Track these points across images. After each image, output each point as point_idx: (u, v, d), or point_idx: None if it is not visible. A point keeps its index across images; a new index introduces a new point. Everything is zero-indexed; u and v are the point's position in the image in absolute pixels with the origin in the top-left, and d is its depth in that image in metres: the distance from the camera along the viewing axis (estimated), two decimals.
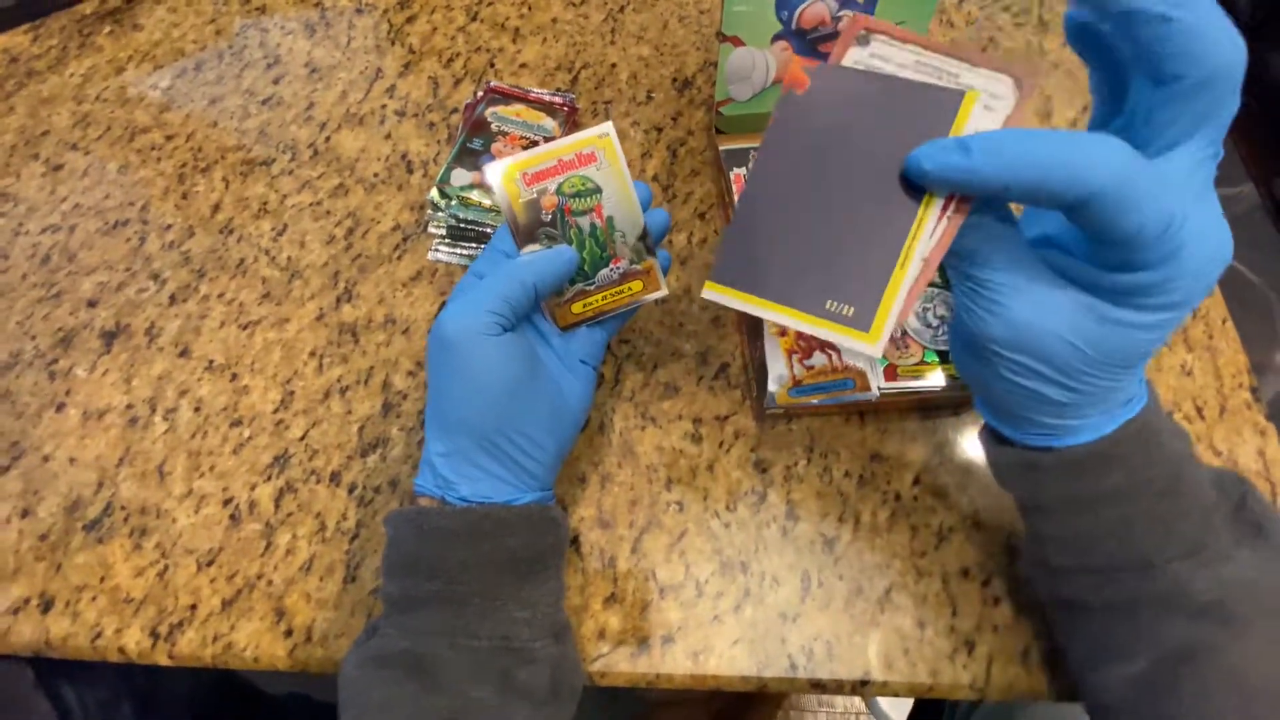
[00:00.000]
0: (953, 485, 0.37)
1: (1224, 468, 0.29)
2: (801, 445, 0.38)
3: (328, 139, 0.48)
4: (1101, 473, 0.26)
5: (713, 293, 0.27)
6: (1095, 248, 0.23)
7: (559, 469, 0.33)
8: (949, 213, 0.24)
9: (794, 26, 0.40)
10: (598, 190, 0.31)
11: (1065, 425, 0.26)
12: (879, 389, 0.38)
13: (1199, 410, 0.39)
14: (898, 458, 0.37)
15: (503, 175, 0.30)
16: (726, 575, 0.34)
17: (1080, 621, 0.29)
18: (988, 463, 0.30)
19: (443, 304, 0.42)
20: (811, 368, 0.38)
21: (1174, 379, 0.40)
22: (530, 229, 0.31)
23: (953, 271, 0.26)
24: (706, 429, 0.38)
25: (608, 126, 0.31)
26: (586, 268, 0.32)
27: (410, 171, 0.47)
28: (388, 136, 0.48)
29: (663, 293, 0.33)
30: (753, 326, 0.39)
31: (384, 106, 0.49)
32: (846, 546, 0.35)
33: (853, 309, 0.25)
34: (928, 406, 0.38)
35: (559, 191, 0.31)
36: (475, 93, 0.49)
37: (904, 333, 0.39)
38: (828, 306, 0.25)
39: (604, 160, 0.31)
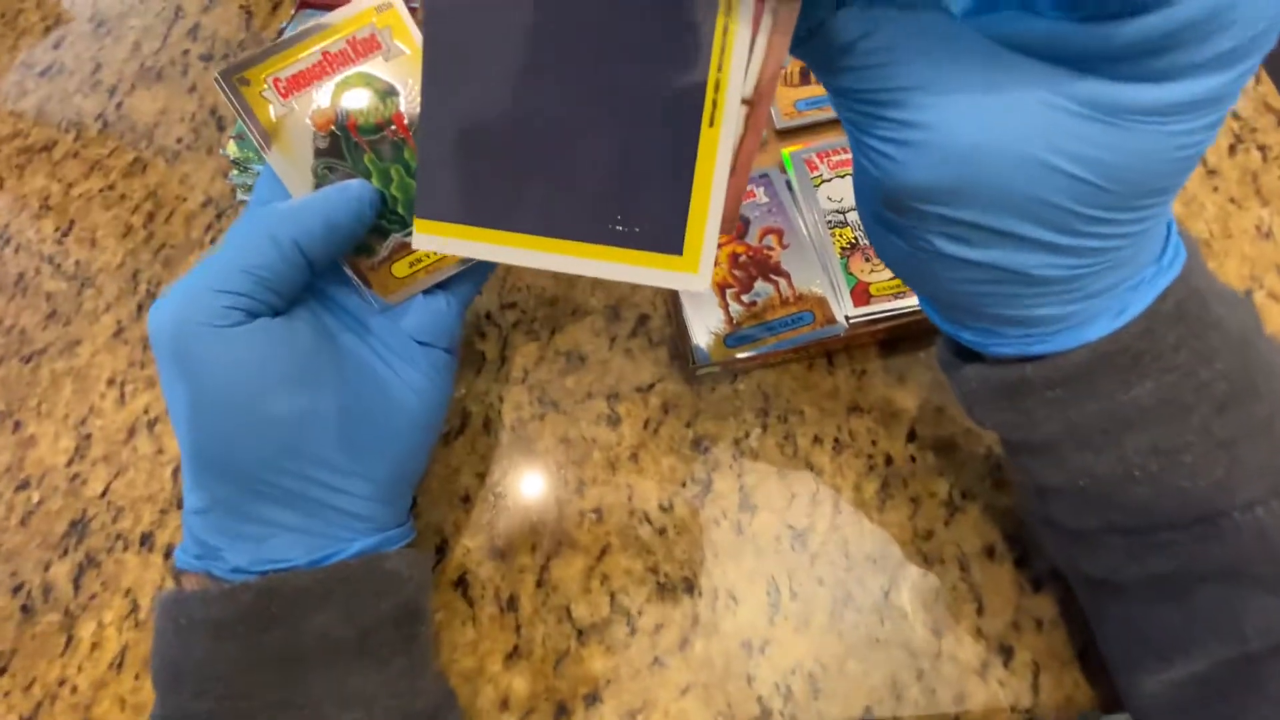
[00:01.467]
0: (961, 435, 0.27)
1: None
2: (752, 409, 0.28)
3: (119, 105, 0.38)
4: (1126, 381, 0.17)
5: (427, 237, 0.16)
6: None
7: (409, 495, 0.23)
8: (766, 19, 0.14)
9: None
10: (392, 91, 0.21)
11: (1061, 317, 0.16)
12: (847, 318, 0.28)
13: None
14: (883, 408, 0.28)
15: (244, 88, 0.20)
16: (666, 600, 0.26)
17: (1112, 605, 0.20)
18: (954, 392, 0.21)
19: None
20: (753, 304, 0.29)
21: (1249, 244, 0.30)
22: (300, 161, 0.21)
23: (835, 97, 0.15)
24: (626, 406, 0.29)
25: None
26: (400, 209, 0.22)
27: (221, 129, 0.36)
28: (192, 89, 0.38)
29: None
30: None
31: (186, 53, 0.39)
32: (824, 539, 0.26)
33: (643, 224, 0.15)
34: (916, 334, 0.28)
35: (333, 101, 0.21)
36: (291, 12, 0.38)
37: None
38: (613, 228, 0.15)
39: (393, 45, 0.21)
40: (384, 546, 0.22)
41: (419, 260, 0.23)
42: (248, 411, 0.19)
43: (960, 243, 0.15)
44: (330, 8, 0.36)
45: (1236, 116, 0.33)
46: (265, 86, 0.21)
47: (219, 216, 0.34)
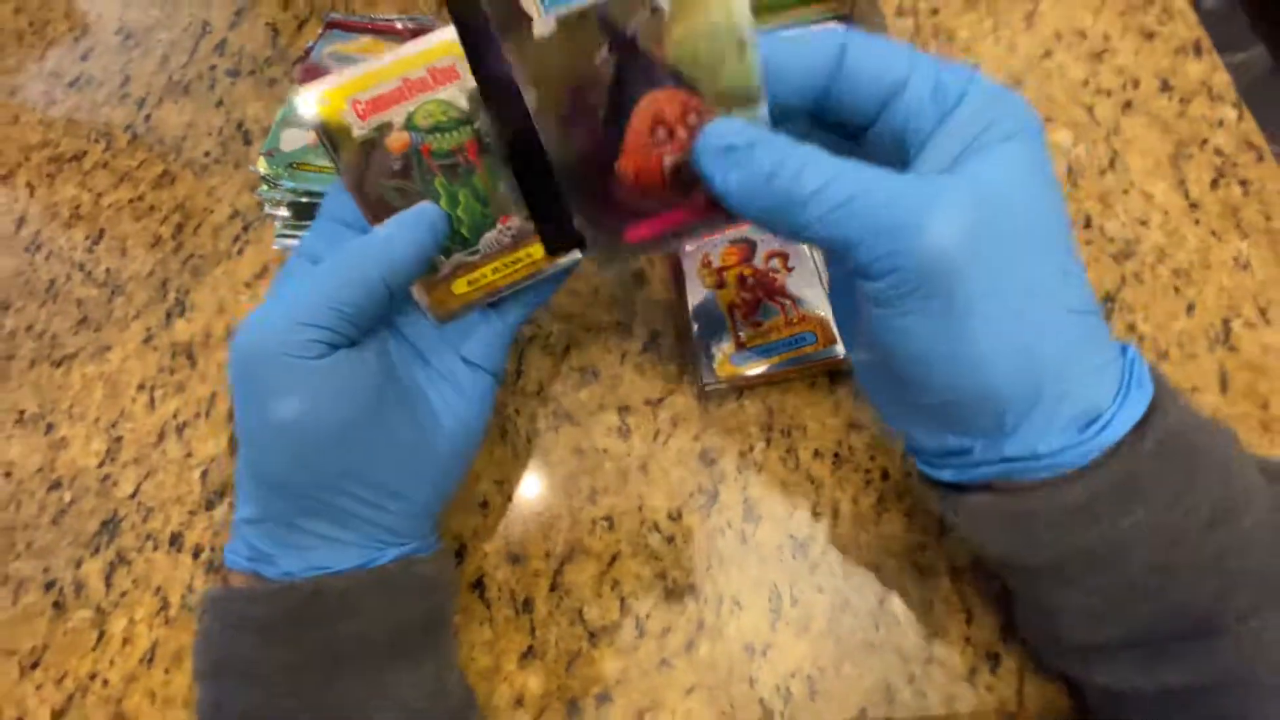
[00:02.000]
0: None
1: (1271, 458, 0.21)
2: (757, 424, 0.30)
3: (148, 117, 0.39)
4: (1121, 509, 0.18)
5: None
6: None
7: (439, 510, 0.25)
8: None
9: None
10: (466, 121, 0.22)
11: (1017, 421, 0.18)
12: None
13: (1263, 312, 0.30)
14: (881, 425, 0.29)
15: (322, 106, 0.21)
16: (673, 605, 0.27)
17: (1130, 711, 0.21)
18: (955, 526, 0.22)
19: None
20: (759, 324, 0.30)
21: (1227, 276, 0.31)
22: (373, 183, 0.22)
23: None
24: (636, 419, 0.30)
25: None
26: (465, 231, 0.23)
27: (248, 143, 0.38)
28: (219, 103, 0.39)
29: (576, 256, 0.24)
30: (679, 283, 0.30)
31: (213, 68, 0.40)
32: (824, 549, 0.27)
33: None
34: None
35: (410, 126, 0.21)
36: (319, 33, 0.39)
37: None
38: None
39: (469, 76, 0.22)
40: (416, 555, 0.23)
41: (477, 279, 0.24)
42: (315, 439, 0.20)
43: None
44: (356, 29, 0.37)
45: (1219, 152, 0.34)
46: (346, 109, 0.21)
47: (245, 229, 0.36)
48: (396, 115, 0.21)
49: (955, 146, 0.18)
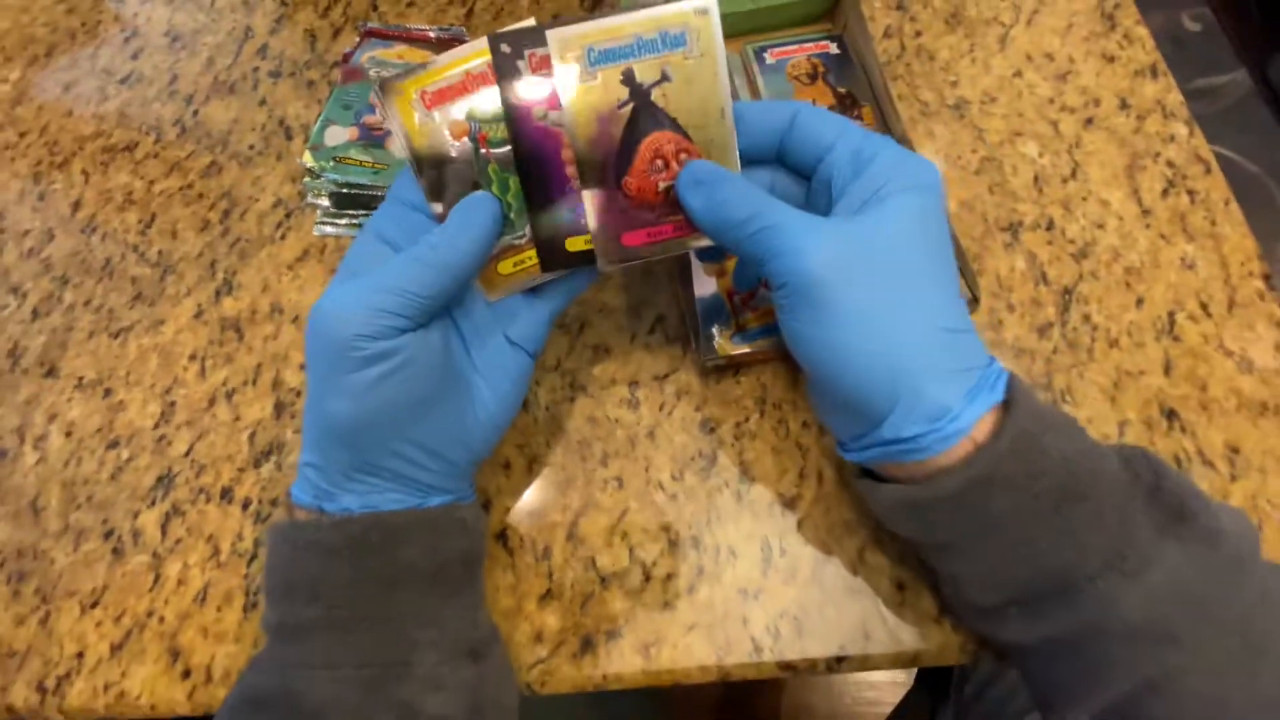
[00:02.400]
0: None
1: (1129, 445, 0.25)
2: (752, 398, 0.33)
3: (195, 113, 0.42)
4: (985, 499, 0.22)
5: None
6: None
7: (474, 470, 0.28)
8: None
9: None
10: None
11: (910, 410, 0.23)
12: None
13: (1204, 307, 0.34)
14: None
15: (397, 97, 0.24)
16: (676, 554, 0.30)
17: (1029, 664, 0.25)
18: (873, 508, 0.27)
19: None
20: (757, 309, 0.34)
21: (1174, 274, 0.35)
22: (436, 167, 0.24)
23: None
24: (644, 392, 0.33)
25: (529, 23, 0.24)
26: (513, 216, 0.25)
27: (289, 138, 0.41)
28: (262, 102, 0.42)
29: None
30: (683, 271, 0.34)
31: (256, 69, 0.44)
32: (810, 506, 0.31)
33: None
34: None
35: (470, 116, 0.24)
36: (355, 39, 0.43)
37: None
38: None
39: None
40: (456, 502, 0.26)
41: (522, 261, 0.26)
42: (383, 411, 0.23)
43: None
44: (389, 38, 0.41)
45: (1171, 165, 0.38)
46: (414, 99, 0.24)
47: (288, 216, 0.39)
48: (457, 107, 0.24)
49: (862, 195, 0.24)
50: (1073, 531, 0.22)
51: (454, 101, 0.24)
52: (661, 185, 0.25)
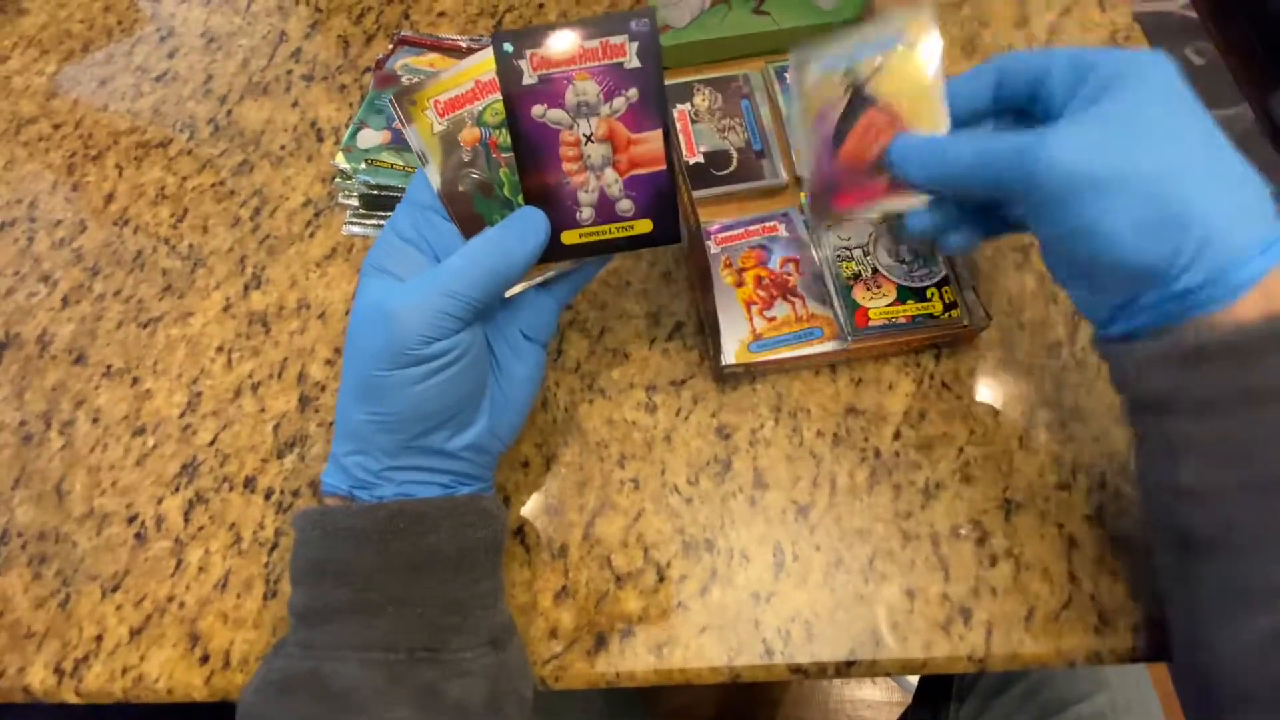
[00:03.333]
0: (938, 437, 0.33)
1: None
2: (767, 405, 0.34)
3: (229, 113, 0.44)
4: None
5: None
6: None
7: (497, 462, 0.29)
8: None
9: None
10: None
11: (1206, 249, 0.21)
12: (849, 336, 0.33)
13: None
14: (875, 410, 0.33)
15: (411, 106, 0.25)
16: (690, 556, 0.31)
17: (1217, 562, 0.23)
18: (1114, 370, 0.25)
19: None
20: (773, 319, 0.34)
21: None
22: (451, 174, 0.25)
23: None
24: (661, 396, 0.34)
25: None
26: None
27: (320, 140, 0.42)
28: (295, 104, 0.43)
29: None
30: (704, 280, 0.35)
31: (289, 72, 0.45)
32: (822, 513, 0.31)
33: None
34: (906, 351, 0.34)
35: (480, 122, 0.25)
36: (388, 46, 0.44)
37: (874, 270, 0.35)
38: None
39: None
40: (479, 492, 0.27)
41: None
42: (436, 400, 0.24)
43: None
44: (422, 47, 0.42)
45: None
46: (429, 107, 0.25)
47: (316, 215, 0.40)
48: (467, 113, 0.25)
49: (1093, 93, 0.23)
50: None
51: (465, 109, 0.25)
52: (875, 149, 0.28)
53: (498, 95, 0.25)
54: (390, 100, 0.25)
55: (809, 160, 0.29)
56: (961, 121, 0.27)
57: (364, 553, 0.24)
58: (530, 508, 0.32)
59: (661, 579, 0.30)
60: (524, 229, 0.25)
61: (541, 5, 0.46)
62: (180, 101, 0.44)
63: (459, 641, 0.24)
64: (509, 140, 0.25)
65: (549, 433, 0.34)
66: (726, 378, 0.34)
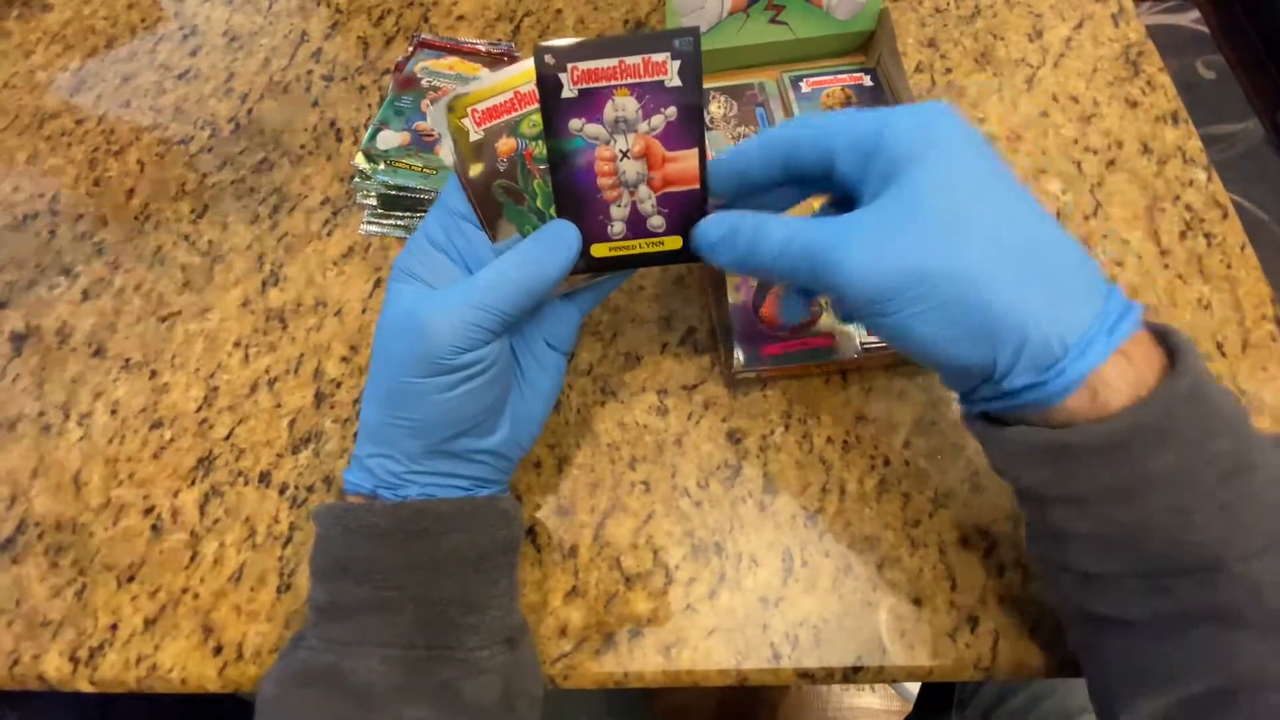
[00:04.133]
0: (947, 445, 0.33)
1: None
2: (778, 411, 0.34)
3: (249, 111, 0.44)
4: (1153, 450, 0.20)
5: None
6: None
7: (517, 461, 0.29)
8: None
9: None
10: None
11: (1038, 346, 0.20)
12: (860, 344, 0.34)
13: (1219, 347, 0.35)
14: (885, 419, 0.34)
15: (449, 112, 0.25)
16: (699, 559, 0.31)
17: (1115, 641, 0.23)
18: (987, 453, 0.25)
19: (378, 281, 0.38)
20: (797, 331, 0.35)
21: (1190, 314, 0.36)
22: (485, 182, 0.25)
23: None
24: (673, 400, 0.35)
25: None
26: None
27: (340, 140, 0.43)
28: (315, 104, 0.44)
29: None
30: (717, 285, 0.35)
31: (310, 72, 0.45)
32: (831, 520, 0.32)
33: None
34: (915, 361, 0.35)
35: (517, 133, 0.25)
36: (407, 49, 0.44)
37: None
38: None
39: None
40: (497, 494, 0.27)
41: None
42: (464, 406, 0.24)
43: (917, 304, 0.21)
44: (442, 50, 0.42)
45: (1189, 208, 0.40)
46: (466, 115, 0.25)
47: (335, 214, 0.40)
48: (505, 124, 0.25)
49: (882, 179, 0.22)
50: (1235, 506, 0.20)
51: (503, 119, 0.25)
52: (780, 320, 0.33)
53: (536, 107, 0.25)
54: (426, 104, 0.25)
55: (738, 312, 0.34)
56: (760, 186, 0.26)
57: (386, 550, 0.24)
58: (542, 508, 0.32)
59: (670, 581, 0.31)
60: (556, 244, 0.25)
61: (559, 11, 0.47)
62: (202, 99, 0.45)
63: (476, 640, 0.25)
64: (544, 152, 0.25)
65: (562, 434, 0.34)
66: (738, 383, 0.35)
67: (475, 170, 0.26)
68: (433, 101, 0.25)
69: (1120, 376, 0.20)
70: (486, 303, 0.24)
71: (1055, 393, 0.21)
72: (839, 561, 0.31)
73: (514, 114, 0.25)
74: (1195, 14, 1.45)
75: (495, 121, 0.25)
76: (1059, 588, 0.25)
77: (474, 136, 0.25)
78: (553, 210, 0.26)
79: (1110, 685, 0.24)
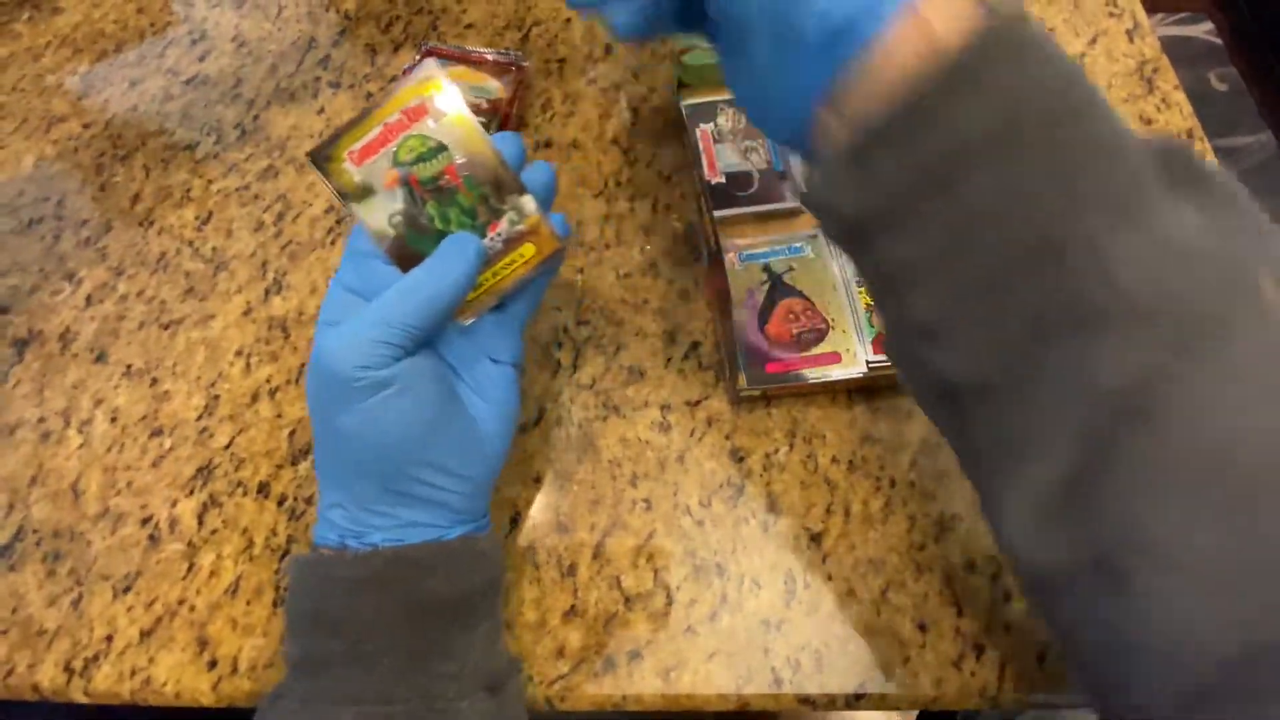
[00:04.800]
0: (954, 467, 0.32)
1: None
2: (782, 430, 0.34)
3: (256, 117, 0.44)
4: (967, 105, 0.17)
5: None
6: None
7: (490, 493, 0.28)
8: None
9: None
10: (442, 148, 0.25)
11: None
12: (866, 363, 0.33)
13: None
14: (892, 439, 0.33)
15: (328, 164, 0.25)
16: (700, 580, 0.31)
17: (979, 411, 0.19)
18: (810, 205, 0.21)
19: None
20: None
21: None
22: (382, 215, 0.25)
23: None
24: (676, 416, 0.34)
25: (431, 66, 0.25)
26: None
27: None
28: (321, 111, 0.44)
29: (560, 250, 0.27)
30: (723, 301, 0.35)
31: (317, 79, 0.45)
32: (835, 542, 0.31)
33: None
34: None
35: (396, 162, 0.25)
36: (414, 57, 0.44)
37: None
38: None
39: (438, 109, 0.25)
40: (473, 533, 0.26)
41: (480, 284, 0.27)
42: (393, 427, 0.24)
43: None
44: (450, 59, 0.42)
45: None
46: (345, 160, 0.25)
47: (338, 223, 0.40)
48: (383, 157, 0.25)
49: None
50: (1072, 174, 0.17)
51: (380, 153, 0.25)
52: (794, 329, 0.34)
53: (408, 133, 0.25)
54: (308, 159, 0.25)
55: (745, 329, 0.34)
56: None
57: (359, 601, 0.24)
58: (541, 525, 0.32)
59: (671, 602, 0.30)
60: (455, 254, 0.25)
61: (568, 20, 0.46)
62: (209, 105, 0.45)
63: (455, 689, 0.24)
64: (428, 175, 0.25)
65: (562, 449, 0.34)
66: (742, 401, 0.34)
67: (370, 210, 0.26)
68: (312, 158, 0.26)
69: (918, 32, 0.17)
70: (387, 319, 0.23)
71: (876, 18, 0.17)
72: (843, 585, 0.30)
73: (388, 145, 0.25)
74: (1208, 25, 1.44)
75: (373, 157, 0.25)
76: (908, 361, 0.21)
77: (358, 178, 0.25)
78: (453, 228, 0.26)
79: (983, 468, 0.20)
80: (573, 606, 0.30)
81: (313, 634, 0.24)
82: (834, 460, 0.33)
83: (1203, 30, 1.46)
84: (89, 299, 0.39)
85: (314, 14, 0.48)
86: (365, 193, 0.25)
